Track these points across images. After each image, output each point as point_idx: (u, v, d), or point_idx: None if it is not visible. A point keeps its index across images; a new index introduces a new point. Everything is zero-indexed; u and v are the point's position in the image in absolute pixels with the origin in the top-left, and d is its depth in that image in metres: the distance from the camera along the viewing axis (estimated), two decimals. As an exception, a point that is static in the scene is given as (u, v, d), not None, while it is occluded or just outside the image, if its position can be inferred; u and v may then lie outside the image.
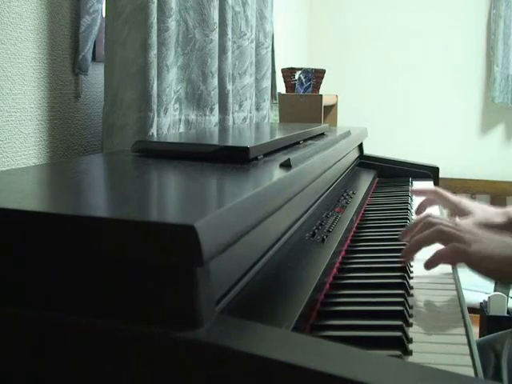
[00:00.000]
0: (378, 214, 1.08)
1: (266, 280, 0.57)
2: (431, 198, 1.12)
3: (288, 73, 2.19)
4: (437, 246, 0.75)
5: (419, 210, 1.10)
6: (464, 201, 1.05)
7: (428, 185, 1.36)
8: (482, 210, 1.03)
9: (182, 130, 1.26)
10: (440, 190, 1.11)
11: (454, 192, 1.18)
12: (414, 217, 1.12)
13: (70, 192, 0.57)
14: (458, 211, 1.05)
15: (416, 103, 3.21)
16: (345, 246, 0.84)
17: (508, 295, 1.80)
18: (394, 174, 1.50)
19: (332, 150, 0.99)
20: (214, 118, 1.34)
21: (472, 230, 0.75)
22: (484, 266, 0.71)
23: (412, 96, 3.21)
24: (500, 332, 0.94)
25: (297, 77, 2.15)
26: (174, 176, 0.69)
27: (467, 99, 3.15)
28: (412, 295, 0.68)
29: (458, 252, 0.72)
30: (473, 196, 2.95)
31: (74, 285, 0.42)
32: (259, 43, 1.69)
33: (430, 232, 0.75)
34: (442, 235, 0.74)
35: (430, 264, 0.73)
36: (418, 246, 0.75)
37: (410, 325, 0.60)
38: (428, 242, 0.75)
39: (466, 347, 0.55)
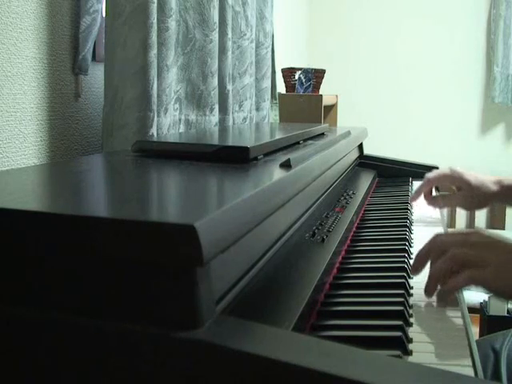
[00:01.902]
0: (377, 214, 1.08)
1: (266, 280, 0.57)
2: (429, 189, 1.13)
3: (288, 73, 2.19)
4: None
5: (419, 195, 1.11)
6: (457, 171, 1.06)
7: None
8: (474, 178, 1.05)
9: (182, 130, 1.26)
10: (430, 174, 1.11)
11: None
12: (415, 216, 1.12)
13: (70, 192, 0.57)
14: (454, 181, 1.07)
15: (416, 103, 3.21)
16: (345, 245, 0.84)
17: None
18: (394, 174, 1.50)
19: (332, 150, 0.99)
20: (214, 117, 1.34)
21: (487, 244, 0.68)
22: (507, 290, 0.64)
23: (412, 96, 3.21)
24: (500, 332, 0.94)
25: (297, 77, 2.15)
26: (174, 176, 0.69)
27: (467, 99, 3.15)
28: (412, 295, 0.68)
29: (474, 278, 0.64)
30: (473, 196, 2.95)
31: (73, 285, 0.42)
32: (259, 43, 1.69)
33: (445, 261, 0.67)
34: (457, 260, 0.66)
35: (443, 295, 0.66)
36: (436, 281, 0.68)
37: (410, 325, 0.60)
38: (445, 272, 0.67)
39: (466, 347, 0.55)
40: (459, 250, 0.67)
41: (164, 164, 0.74)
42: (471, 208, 1.11)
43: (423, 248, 0.71)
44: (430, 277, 0.68)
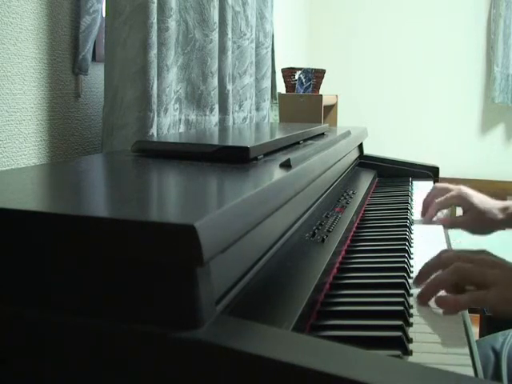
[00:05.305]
0: (377, 214, 1.08)
1: (266, 280, 0.57)
2: (433, 197, 1.13)
3: (288, 73, 2.19)
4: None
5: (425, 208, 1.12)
6: (464, 190, 1.06)
7: (428, 185, 1.36)
8: (482, 203, 1.05)
9: (181, 130, 1.26)
10: (438, 184, 1.13)
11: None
12: (415, 217, 1.12)
13: (70, 192, 0.57)
14: (459, 201, 1.07)
15: (416, 103, 3.21)
16: (345, 245, 0.84)
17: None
18: (394, 174, 1.50)
19: (332, 150, 0.99)
20: (214, 117, 1.34)
21: (492, 263, 0.67)
22: (508, 311, 0.63)
23: (412, 96, 3.21)
24: (500, 332, 0.94)
25: (297, 77, 2.15)
26: (174, 176, 0.69)
27: (467, 99, 3.15)
28: (412, 295, 0.68)
29: (477, 301, 0.64)
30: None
31: (73, 285, 0.42)
32: (259, 43, 1.69)
33: (448, 272, 0.67)
34: (460, 274, 0.66)
35: (449, 307, 0.64)
36: (434, 290, 0.67)
37: (410, 325, 0.60)
38: (446, 284, 0.67)
39: (466, 347, 0.55)
40: (464, 264, 0.66)
41: (164, 164, 0.74)
42: (476, 232, 1.12)
43: (428, 263, 0.71)
44: (428, 285, 0.67)
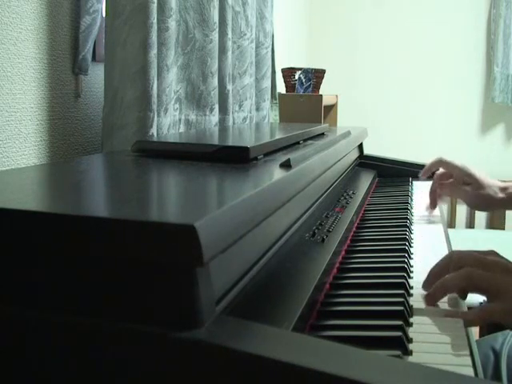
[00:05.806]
0: (377, 214, 1.08)
1: (266, 280, 0.57)
2: (438, 190, 1.13)
3: (288, 73, 2.19)
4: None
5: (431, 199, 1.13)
6: (468, 167, 1.08)
7: (428, 185, 1.36)
8: (483, 178, 1.07)
9: (181, 130, 1.26)
10: (444, 158, 1.14)
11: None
12: (415, 216, 1.12)
13: (70, 192, 0.57)
14: (462, 175, 1.07)
15: (416, 103, 3.21)
16: (345, 245, 0.84)
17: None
18: (394, 174, 1.50)
19: (332, 150, 0.99)
20: (214, 117, 1.34)
21: (503, 268, 0.64)
22: None
23: (412, 96, 3.21)
24: (500, 332, 0.94)
25: (297, 77, 2.15)
26: (174, 176, 0.69)
27: (467, 99, 3.15)
28: (412, 295, 0.68)
29: (483, 316, 0.62)
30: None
31: (73, 285, 0.42)
32: (259, 43, 1.69)
33: (458, 277, 0.64)
34: (471, 281, 0.63)
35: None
36: (443, 293, 0.66)
37: (410, 325, 0.60)
38: (455, 289, 0.65)
39: (466, 347, 0.55)
40: (476, 270, 0.64)
41: (164, 164, 0.74)
42: (475, 206, 1.13)
43: (437, 264, 0.70)
44: (436, 288, 0.66)
